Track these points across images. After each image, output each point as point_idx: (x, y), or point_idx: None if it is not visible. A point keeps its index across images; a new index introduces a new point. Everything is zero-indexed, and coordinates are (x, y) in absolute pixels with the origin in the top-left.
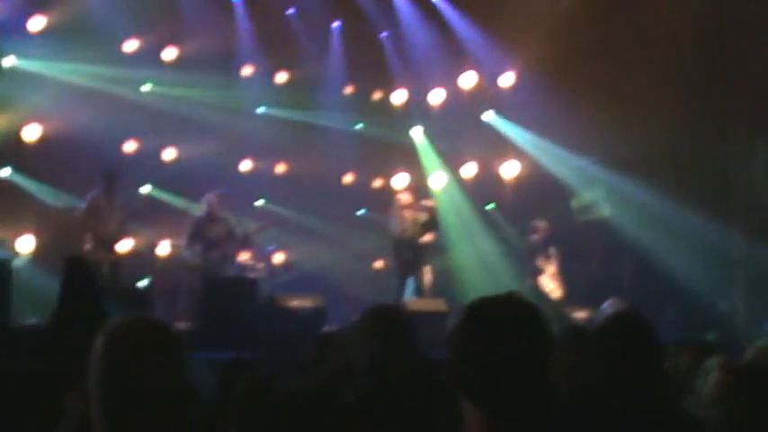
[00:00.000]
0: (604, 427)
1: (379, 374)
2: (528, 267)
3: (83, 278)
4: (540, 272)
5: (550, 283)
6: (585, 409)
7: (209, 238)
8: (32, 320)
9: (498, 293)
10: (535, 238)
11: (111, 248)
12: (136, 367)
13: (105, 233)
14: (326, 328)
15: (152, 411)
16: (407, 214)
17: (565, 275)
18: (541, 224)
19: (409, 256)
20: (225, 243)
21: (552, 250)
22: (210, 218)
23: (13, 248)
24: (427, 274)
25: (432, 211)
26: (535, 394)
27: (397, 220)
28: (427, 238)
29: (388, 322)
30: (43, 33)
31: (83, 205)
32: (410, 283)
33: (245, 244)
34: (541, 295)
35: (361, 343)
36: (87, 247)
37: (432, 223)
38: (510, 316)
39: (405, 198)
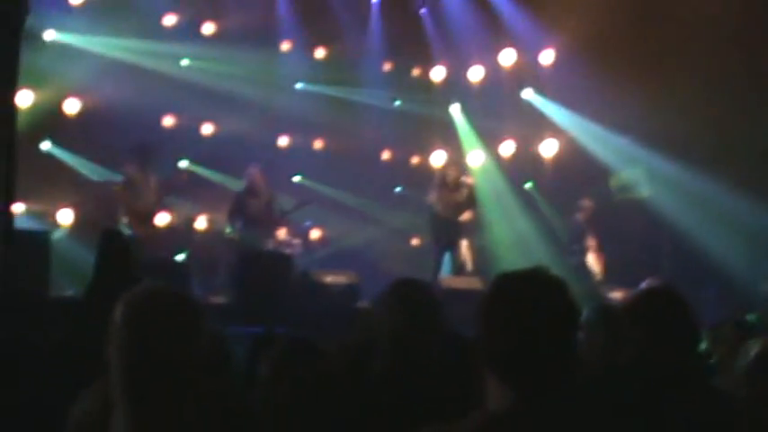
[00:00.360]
0: (634, 404)
1: (399, 347)
2: (573, 246)
3: (118, 250)
4: (586, 251)
5: (595, 263)
6: (615, 386)
7: (250, 213)
8: (70, 292)
9: (525, 268)
10: (580, 217)
11: (147, 223)
12: (154, 336)
13: (141, 207)
14: (361, 305)
15: (170, 380)
16: (447, 191)
17: (604, 255)
18: (587, 203)
19: (447, 233)
20: (265, 218)
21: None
22: (252, 192)
23: (52, 221)
24: (466, 251)
25: (470, 189)
26: (561, 369)
27: (436, 196)
28: (466, 215)
29: (409, 295)
30: (83, 7)
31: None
32: (447, 261)
33: (281, 222)
34: (588, 274)
35: (384, 316)
36: (123, 220)
37: (470, 201)
38: (536, 290)
39: (444, 175)
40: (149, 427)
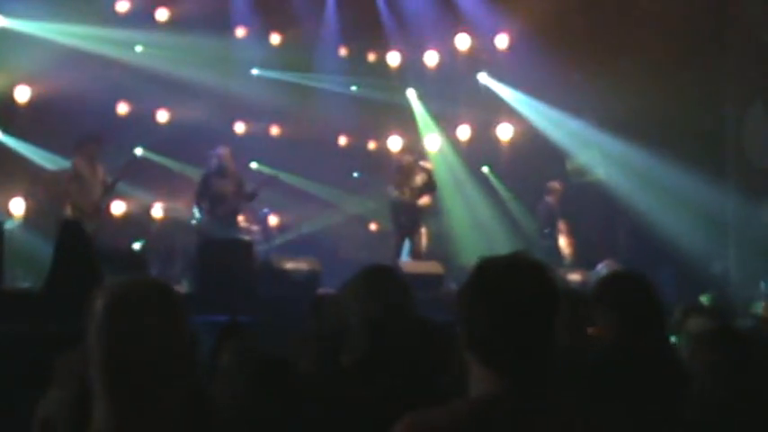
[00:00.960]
0: (613, 388)
1: (374, 335)
2: (544, 230)
3: (78, 241)
4: (557, 234)
5: (566, 246)
6: (592, 370)
7: (216, 192)
8: (25, 284)
9: (505, 253)
10: (550, 200)
11: (93, 215)
12: (137, 329)
13: (87, 201)
14: (321, 291)
15: (154, 373)
16: (404, 176)
17: (574, 238)
18: (556, 186)
19: (406, 217)
20: (232, 198)
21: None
22: (221, 172)
23: (5, 211)
24: (423, 237)
25: (429, 173)
26: (543, 352)
27: (394, 181)
28: (425, 200)
29: (381, 282)
30: None
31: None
32: (406, 245)
33: (251, 199)
34: (558, 256)
35: (355, 304)
36: (67, 212)
37: (429, 185)
38: (518, 274)
39: (402, 159)
40: (135, 421)
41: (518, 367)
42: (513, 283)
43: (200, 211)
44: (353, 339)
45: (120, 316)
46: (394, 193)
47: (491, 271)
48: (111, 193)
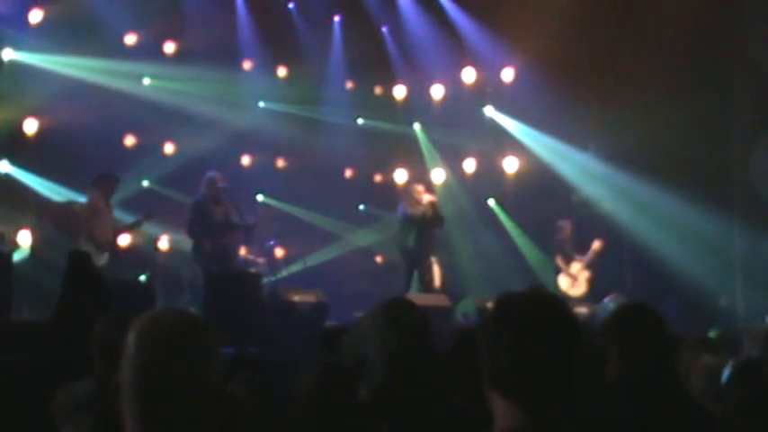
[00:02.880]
0: (627, 419)
1: (393, 368)
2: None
3: (88, 273)
4: (558, 271)
5: (566, 282)
6: (606, 402)
7: (216, 222)
8: (32, 315)
9: (524, 288)
10: (558, 237)
11: (106, 249)
12: (169, 360)
13: (102, 235)
14: (329, 324)
15: (187, 407)
16: (416, 201)
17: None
18: (565, 224)
19: (417, 249)
20: (229, 229)
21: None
22: (214, 199)
23: (13, 242)
24: (436, 267)
25: (434, 206)
26: (564, 386)
27: (407, 202)
28: (432, 231)
29: (401, 315)
30: (42, 26)
31: (84, 202)
32: (415, 278)
33: (250, 231)
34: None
35: (375, 336)
36: (84, 246)
37: (435, 218)
38: (537, 309)
39: (417, 190)
40: None
41: (540, 400)
42: (533, 316)
43: (197, 240)
44: (372, 372)
45: (153, 347)
46: (407, 209)
47: (510, 306)
48: (136, 227)
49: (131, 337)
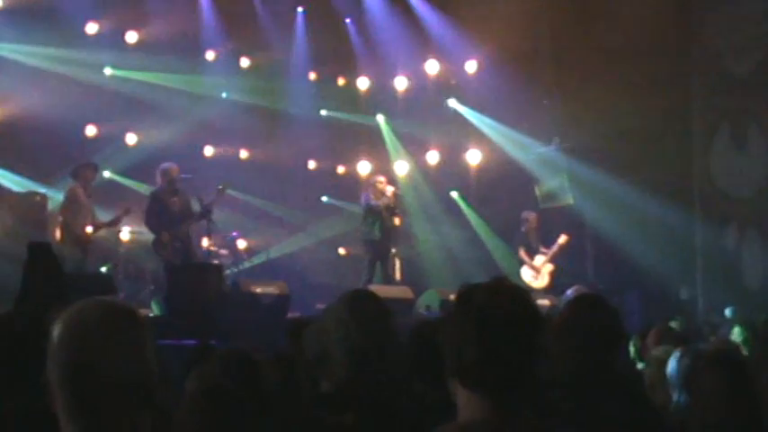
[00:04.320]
0: (570, 413)
1: (356, 361)
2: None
3: (48, 264)
4: (521, 262)
5: (528, 275)
6: (561, 395)
7: (174, 212)
8: None
9: (488, 280)
10: (523, 229)
11: (84, 241)
12: (101, 352)
13: (80, 226)
14: (291, 315)
15: (119, 397)
16: (380, 192)
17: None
18: (530, 216)
19: (381, 241)
20: (186, 218)
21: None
22: (172, 190)
23: None
24: (396, 261)
25: (396, 197)
26: (527, 377)
27: (371, 192)
28: (396, 220)
29: (364, 307)
30: (2, 14)
31: (62, 196)
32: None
33: (205, 215)
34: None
35: (337, 329)
36: (58, 240)
37: (396, 209)
38: (500, 300)
39: (380, 181)
40: None
41: (503, 392)
42: (495, 308)
43: (156, 232)
44: (334, 365)
45: (82, 339)
46: (371, 200)
47: (472, 298)
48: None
49: (60, 330)
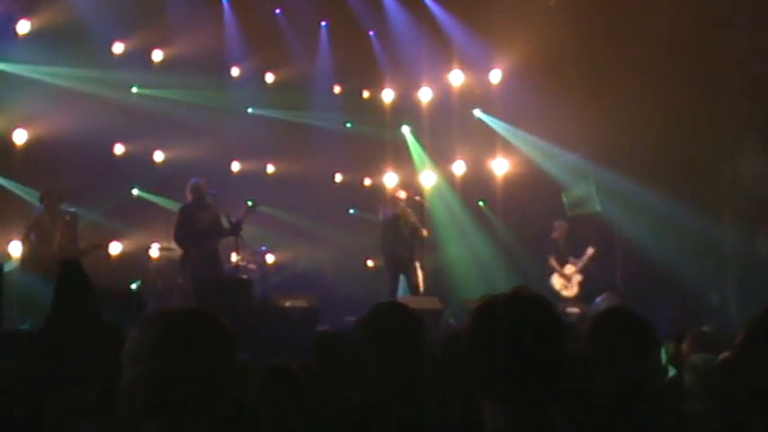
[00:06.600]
0: (611, 423)
1: (389, 374)
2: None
3: (76, 281)
4: (551, 270)
5: (559, 283)
6: (592, 405)
7: (203, 228)
8: (23, 326)
9: (508, 290)
10: (553, 237)
11: (45, 267)
12: (190, 358)
13: (44, 252)
14: (321, 329)
15: (203, 403)
16: (402, 210)
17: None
18: (560, 224)
19: (402, 253)
20: (216, 233)
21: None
22: (201, 205)
23: (3, 253)
24: (418, 271)
25: (422, 207)
26: (550, 386)
27: (393, 215)
28: (422, 233)
29: (396, 321)
30: (30, 36)
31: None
32: (402, 281)
33: (234, 232)
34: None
35: (369, 343)
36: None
37: (423, 219)
38: (521, 310)
39: (400, 194)
40: None
41: (529, 403)
42: (515, 319)
43: (184, 247)
44: (365, 379)
45: (171, 346)
46: (389, 213)
47: (493, 309)
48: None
49: (146, 335)
